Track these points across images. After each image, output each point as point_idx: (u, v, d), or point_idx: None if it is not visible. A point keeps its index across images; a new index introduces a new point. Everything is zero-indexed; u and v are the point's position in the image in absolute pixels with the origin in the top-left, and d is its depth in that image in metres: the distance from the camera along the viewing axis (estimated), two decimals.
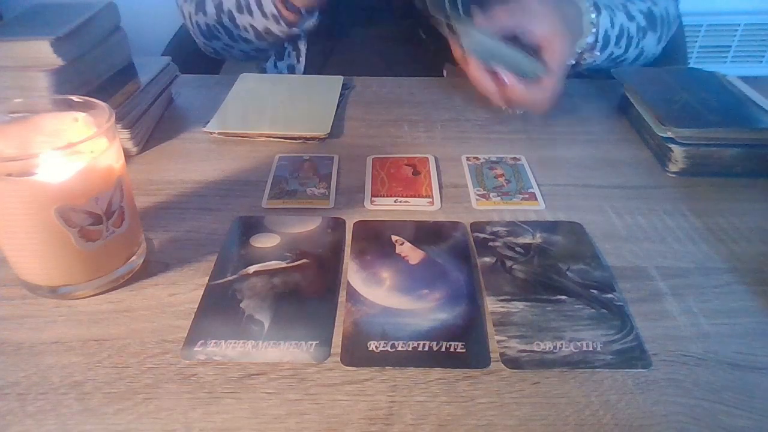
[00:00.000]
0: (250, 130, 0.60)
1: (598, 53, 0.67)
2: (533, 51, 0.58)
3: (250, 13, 0.72)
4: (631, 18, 0.69)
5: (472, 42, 0.58)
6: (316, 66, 0.81)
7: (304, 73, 0.82)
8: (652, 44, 0.73)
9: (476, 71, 0.59)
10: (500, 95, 0.59)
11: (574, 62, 0.68)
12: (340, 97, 0.67)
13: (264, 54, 0.86)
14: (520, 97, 0.58)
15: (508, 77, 0.57)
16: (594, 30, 0.65)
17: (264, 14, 0.71)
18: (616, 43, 0.68)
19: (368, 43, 0.78)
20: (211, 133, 0.59)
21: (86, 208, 0.36)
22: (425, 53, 0.66)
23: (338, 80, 0.70)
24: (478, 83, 0.60)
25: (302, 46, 0.81)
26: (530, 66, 0.57)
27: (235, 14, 0.73)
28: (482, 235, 0.45)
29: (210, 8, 0.74)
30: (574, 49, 0.66)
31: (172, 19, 0.91)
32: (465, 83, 0.70)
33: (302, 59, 0.82)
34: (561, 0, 0.63)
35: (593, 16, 0.65)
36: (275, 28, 0.73)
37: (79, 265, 0.38)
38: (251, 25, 0.73)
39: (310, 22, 0.74)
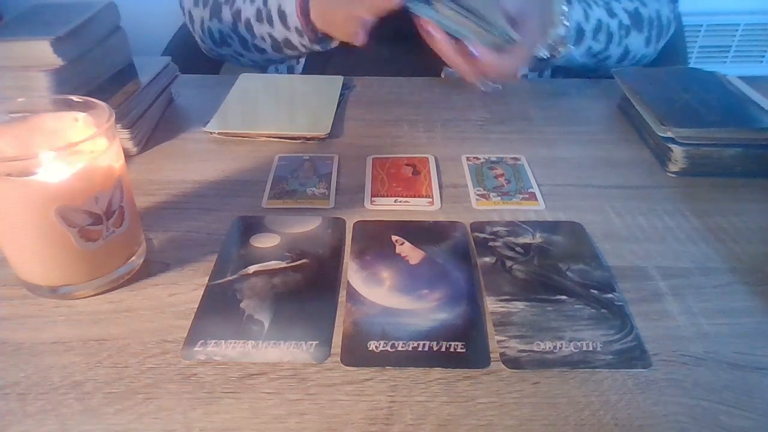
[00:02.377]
0: (250, 130, 0.59)
1: (572, 46, 0.67)
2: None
3: (271, 23, 0.71)
4: (612, 15, 0.69)
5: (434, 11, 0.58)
6: (316, 67, 0.80)
7: (304, 73, 0.82)
8: (638, 44, 0.73)
9: (444, 48, 0.59)
10: (471, 69, 0.60)
11: (548, 55, 0.68)
12: (340, 97, 0.67)
13: (272, 64, 0.85)
14: (493, 68, 0.59)
15: (477, 49, 0.58)
16: (566, 22, 0.65)
17: (286, 26, 0.70)
18: (593, 37, 0.68)
19: (368, 44, 0.78)
20: (211, 133, 0.59)
21: (86, 208, 0.36)
22: (424, 55, 0.66)
23: (338, 80, 0.70)
24: (449, 60, 0.60)
25: None
26: (499, 31, 0.57)
27: (254, 23, 0.72)
28: (482, 235, 0.45)
29: (227, 15, 0.73)
30: (546, 39, 0.66)
31: (172, 19, 0.91)
32: (464, 83, 0.71)
33: (302, 60, 0.82)
34: None
35: (564, 7, 0.65)
36: (296, 41, 0.72)
37: (79, 265, 0.38)
38: (270, 35, 0.72)
39: (333, 43, 0.73)
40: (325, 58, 0.80)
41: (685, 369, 0.34)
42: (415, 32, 0.63)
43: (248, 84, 0.70)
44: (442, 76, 0.75)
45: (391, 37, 0.74)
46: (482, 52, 0.58)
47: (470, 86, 0.65)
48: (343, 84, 0.70)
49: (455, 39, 0.59)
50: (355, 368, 0.34)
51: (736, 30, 1.87)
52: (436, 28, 0.59)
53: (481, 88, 0.65)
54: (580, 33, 0.67)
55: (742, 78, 0.62)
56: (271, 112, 0.65)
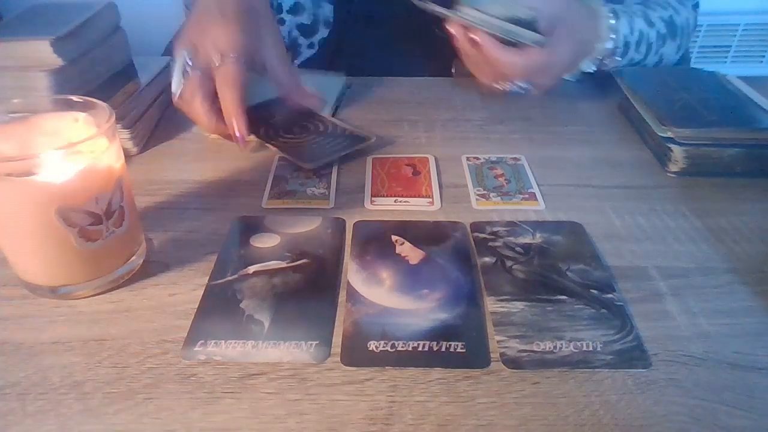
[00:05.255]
0: None
1: (619, 58, 0.68)
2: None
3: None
4: (650, 24, 0.69)
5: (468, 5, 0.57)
6: (324, 60, 0.79)
7: (310, 67, 0.80)
8: (671, 52, 0.74)
9: (461, 42, 0.58)
10: (486, 68, 0.59)
11: (595, 69, 0.68)
12: (341, 96, 0.66)
13: None
14: (494, 57, 0.57)
15: (482, 38, 0.56)
16: (613, 36, 0.65)
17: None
18: (636, 48, 0.68)
19: (378, 38, 0.78)
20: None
21: (86, 208, 0.36)
22: (436, 49, 0.65)
23: (340, 80, 0.69)
24: (466, 59, 0.60)
25: (303, 42, 0.80)
26: (525, 34, 0.56)
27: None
28: (482, 235, 0.45)
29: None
30: (593, 54, 0.66)
31: (172, 19, 0.91)
32: (466, 83, 0.71)
33: (297, 61, 0.81)
34: (578, 4, 0.63)
35: (612, 21, 0.65)
36: None
37: (79, 265, 0.38)
38: None
39: None
40: (332, 52, 0.79)
41: (685, 369, 0.34)
42: (427, 27, 0.62)
43: (254, 80, 0.70)
44: (453, 70, 0.75)
45: (402, 31, 0.73)
46: (485, 39, 0.56)
47: (479, 86, 0.65)
48: (348, 86, 0.69)
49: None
50: (355, 368, 0.34)
51: (736, 30, 1.88)
52: (457, 28, 0.58)
53: (500, 89, 0.64)
54: (626, 45, 0.67)
55: (742, 78, 0.62)
56: None
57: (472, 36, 0.57)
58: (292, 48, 0.82)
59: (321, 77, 0.72)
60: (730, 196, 0.51)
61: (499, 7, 0.56)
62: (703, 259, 0.43)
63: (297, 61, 0.82)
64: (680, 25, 0.73)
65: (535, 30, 0.57)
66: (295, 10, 0.80)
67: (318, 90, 0.67)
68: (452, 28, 0.58)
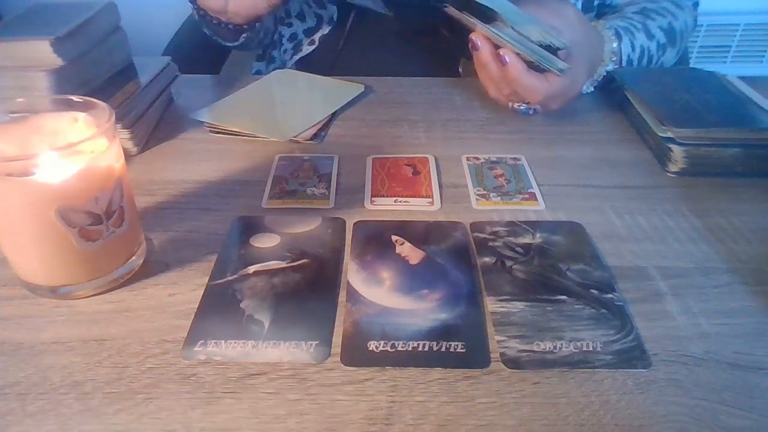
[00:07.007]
0: (223, 123, 0.60)
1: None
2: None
3: None
4: (650, 37, 0.69)
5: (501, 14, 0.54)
6: (325, 57, 0.79)
7: (314, 65, 0.79)
8: (671, 58, 0.74)
9: (484, 55, 0.56)
10: (500, 78, 0.56)
11: (593, 89, 0.68)
12: (352, 101, 0.66)
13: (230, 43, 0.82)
14: (518, 79, 0.54)
15: (509, 56, 0.54)
16: (614, 59, 0.66)
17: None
18: (638, 63, 0.69)
19: (380, 37, 0.78)
20: (202, 122, 0.60)
21: (86, 208, 0.36)
22: (443, 49, 0.64)
23: (358, 88, 0.69)
24: (481, 69, 0.58)
25: (305, 43, 0.80)
26: (555, 62, 0.54)
27: None
28: (482, 235, 0.45)
29: None
30: (594, 76, 0.66)
31: (172, 19, 0.91)
32: (466, 83, 0.71)
33: (295, 56, 0.81)
34: (592, 30, 0.63)
35: (614, 45, 0.65)
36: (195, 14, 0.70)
37: (79, 265, 0.38)
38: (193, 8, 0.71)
39: (240, 36, 0.71)
40: (331, 52, 0.79)
41: (685, 369, 0.34)
42: (434, 27, 0.61)
43: (275, 79, 0.71)
44: (460, 69, 0.75)
45: (409, 30, 0.72)
46: (512, 59, 0.54)
47: (479, 89, 0.64)
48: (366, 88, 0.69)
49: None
50: (355, 368, 0.34)
51: (736, 30, 1.87)
52: (483, 40, 0.55)
53: (511, 108, 0.63)
54: (629, 63, 0.67)
55: (742, 78, 0.62)
56: (259, 111, 0.64)
57: (502, 54, 0.54)
58: (294, 43, 0.82)
59: (340, 85, 0.70)
60: (730, 196, 0.51)
61: (538, 31, 0.54)
62: (703, 259, 0.43)
63: (297, 57, 0.82)
64: (679, 30, 0.73)
65: (559, 57, 0.56)
66: (302, 16, 0.81)
67: (327, 96, 0.67)
68: (478, 40, 0.56)
